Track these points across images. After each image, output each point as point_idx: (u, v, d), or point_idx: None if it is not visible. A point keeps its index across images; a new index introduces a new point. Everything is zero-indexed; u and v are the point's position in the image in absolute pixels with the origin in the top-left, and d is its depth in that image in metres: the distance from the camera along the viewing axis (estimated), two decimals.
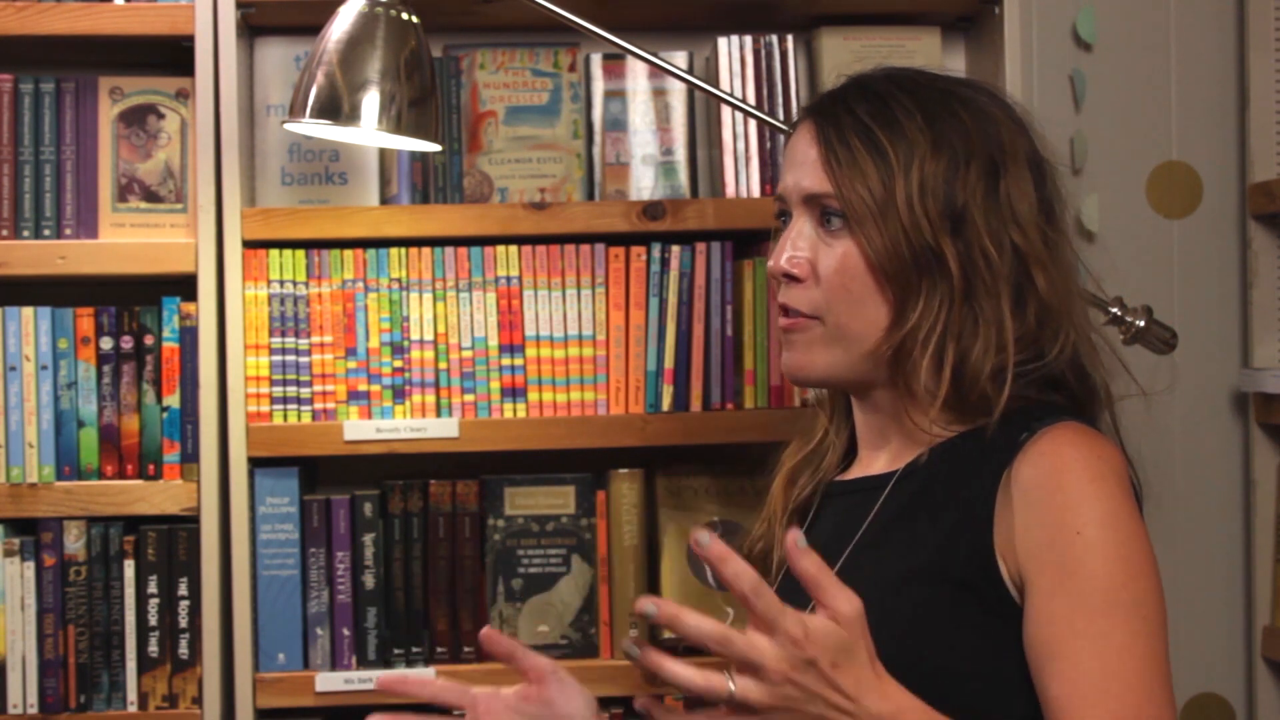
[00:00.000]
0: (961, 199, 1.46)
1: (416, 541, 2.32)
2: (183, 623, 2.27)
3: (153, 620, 2.27)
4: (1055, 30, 2.59)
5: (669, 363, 2.31)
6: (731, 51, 2.37)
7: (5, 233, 2.29)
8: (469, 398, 2.30)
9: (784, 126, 2.15)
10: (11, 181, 2.30)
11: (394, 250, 2.30)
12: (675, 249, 2.32)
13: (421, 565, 2.31)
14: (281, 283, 2.29)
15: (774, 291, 1.58)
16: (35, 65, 2.35)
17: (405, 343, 2.30)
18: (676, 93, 2.41)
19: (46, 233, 2.31)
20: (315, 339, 2.29)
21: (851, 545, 1.50)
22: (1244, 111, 2.57)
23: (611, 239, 2.32)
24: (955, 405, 1.47)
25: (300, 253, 2.29)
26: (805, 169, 1.51)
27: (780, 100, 2.37)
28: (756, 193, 2.36)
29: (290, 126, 2.12)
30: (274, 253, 2.29)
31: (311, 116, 2.04)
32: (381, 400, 2.29)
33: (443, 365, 2.30)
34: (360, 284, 2.30)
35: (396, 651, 2.31)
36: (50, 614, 2.26)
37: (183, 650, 2.28)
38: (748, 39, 2.37)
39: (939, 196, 1.46)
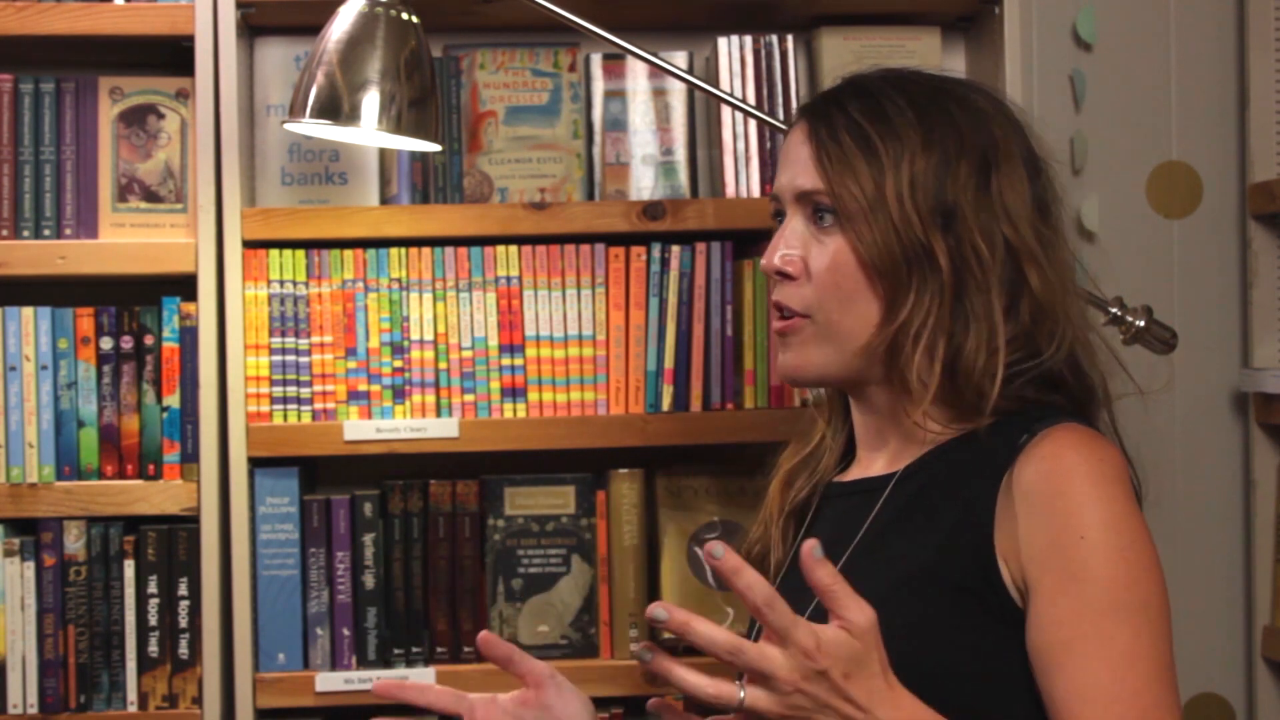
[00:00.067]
0: (952, 195, 1.46)
1: (416, 541, 2.32)
2: (183, 623, 2.27)
3: (153, 620, 2.27)
4: (1055, 30, 2.59)
5: (669, 363, 2.31)
6: (731, 51, 2.37)
7: (5, 233, 2.30)
8: (469, 398, 2.30)
9: (784, 126, 2.15)
10: (11, 181, 2.30)
11: (394, 250, 2.30)
12: (675, 249, 2.32)
13: (421, 565, 2.31)
14: (281, 283, 2.29)
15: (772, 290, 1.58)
16: (35, 65, 2.35)
17: (405, 343, 2.30)
18: (676, 93, 2.41)
19: (46, 233, 2.31)
20: (315, 339, 2.29)
21: (850, 548, 1.50)
22: (1244, 111, 2.57)
23: (611, 239, 2.32)
24: (951, 402, 1.47)
25: (300, 253, 2.29)
26: (798, 167, 1.51)
27: (780, 100, 2.37)
28: (756, 193, 2.36)
29: (290, 126, 2.12)
30: (274, 253, 2.29)
31: (311, 116, 2.04)
32: (381, 400, 2.29)
33: (443, 365, 2.30)
34: (360, 284, 2.30)
35: (396, 652, 2.31)
36: (50, 614, 2.26)
37: (183, 650, 2.28)
38: (748, 39, 2.37)
39: (929, 192, 1.46)
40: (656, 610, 1.19)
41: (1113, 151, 2.60)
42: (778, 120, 2.22)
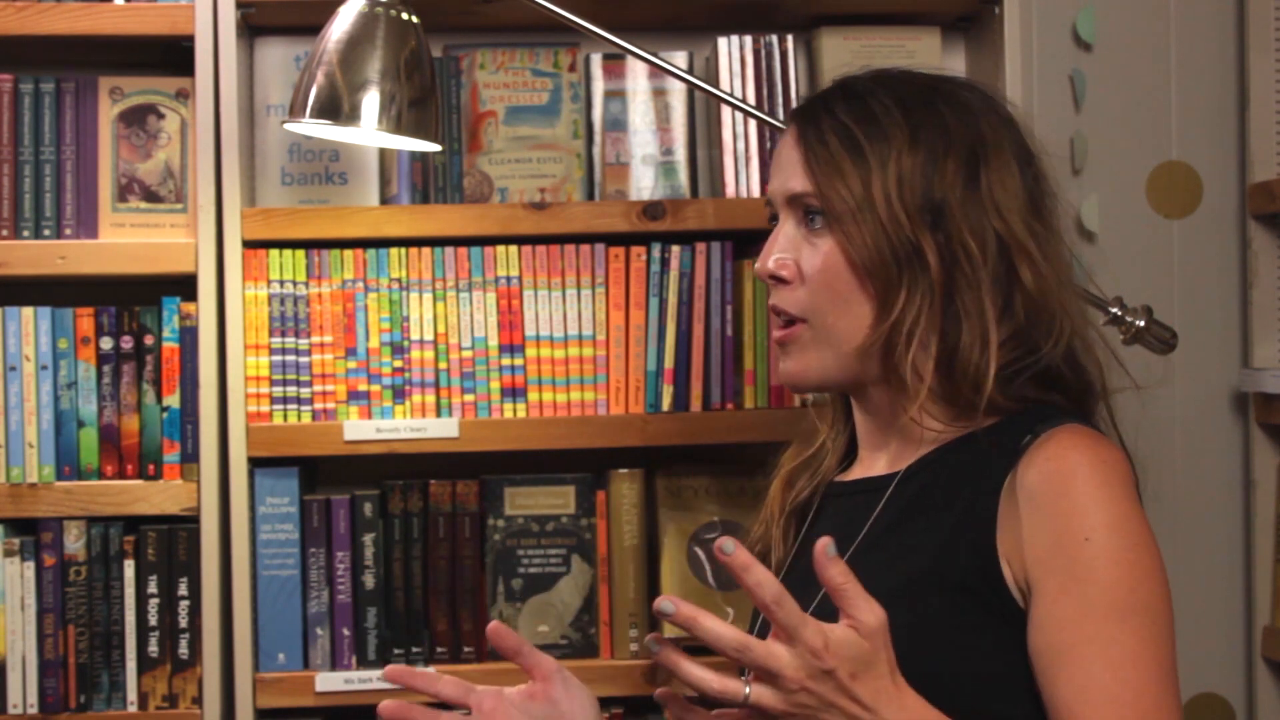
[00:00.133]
0: (940, 192, 1.47)
1: (416, 541, 2.32)
2: (183, 623, 2.27)
3: (153, 620, 2.27)
4: (1055, 30, 2.59)
5: (669, 363, 2.31)
6: (731, 51, 2.37)
7: (5, 233, 2.29)
8: (469, 398, 2.30)
9: (784, 126, 2.15)
10: (11, 181, 2.30)
11: (394, 250, 2.30)
12: (675, 249, 2.32)
13: (421, 565, 2.31)
14: (281, 283, 2.29)
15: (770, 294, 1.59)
16: (35, 65, 2.35)
17: (405, 343, 2.30)
18: (676, 93, 2.41)
19: (46, 233, 2.31)
20: (315, 339, 2.29)
21: (852, 548, 1.50)
22: (1244, 111, 2.57)
23: (611, 239, 2.32)
24: (950, 400, 1.47)
25: (300, 253, 2.29)
26: (788, 170, 1.52)
27: (780, 100, 2.37)
28: (756, 193, 2.36)
29: (290, 126, 2.12)
30: (274, 253, 2.29)
31: (311, 116, 2.04)
32: (381, 400, 2.29)
33: (443, 365, 2.30)
34: (360, 284, 2.30)
35: (396, 651, 2.31)
36: (50, 614, 2.26)
37: (183, 650, 2.28)
38: (748, 39, 2.37)
39: (916, 191, 1.46)
40: (663, 604, 1.19)
41: (1112, 151, 2.60)
42: (778, 120, 2.22)
